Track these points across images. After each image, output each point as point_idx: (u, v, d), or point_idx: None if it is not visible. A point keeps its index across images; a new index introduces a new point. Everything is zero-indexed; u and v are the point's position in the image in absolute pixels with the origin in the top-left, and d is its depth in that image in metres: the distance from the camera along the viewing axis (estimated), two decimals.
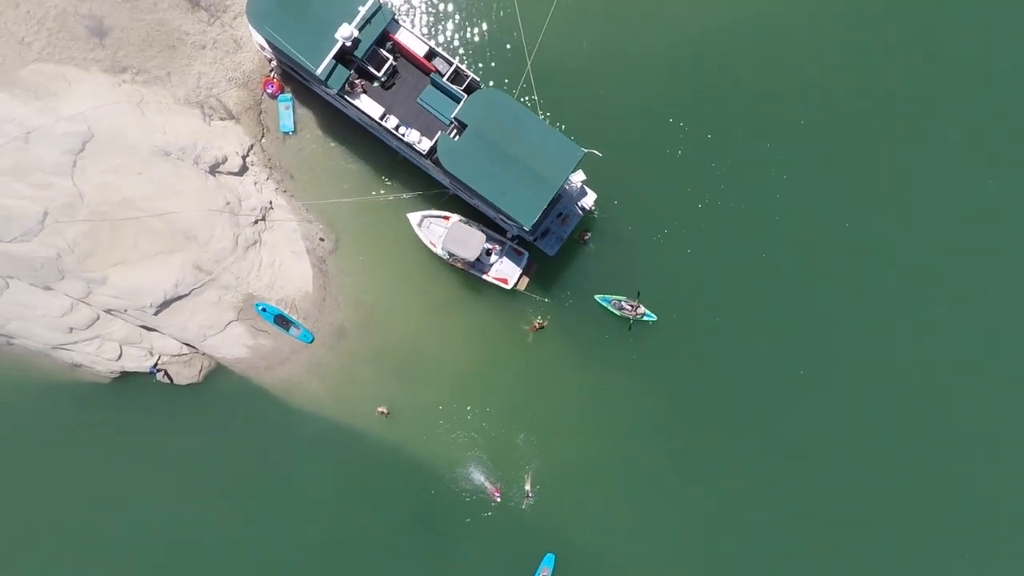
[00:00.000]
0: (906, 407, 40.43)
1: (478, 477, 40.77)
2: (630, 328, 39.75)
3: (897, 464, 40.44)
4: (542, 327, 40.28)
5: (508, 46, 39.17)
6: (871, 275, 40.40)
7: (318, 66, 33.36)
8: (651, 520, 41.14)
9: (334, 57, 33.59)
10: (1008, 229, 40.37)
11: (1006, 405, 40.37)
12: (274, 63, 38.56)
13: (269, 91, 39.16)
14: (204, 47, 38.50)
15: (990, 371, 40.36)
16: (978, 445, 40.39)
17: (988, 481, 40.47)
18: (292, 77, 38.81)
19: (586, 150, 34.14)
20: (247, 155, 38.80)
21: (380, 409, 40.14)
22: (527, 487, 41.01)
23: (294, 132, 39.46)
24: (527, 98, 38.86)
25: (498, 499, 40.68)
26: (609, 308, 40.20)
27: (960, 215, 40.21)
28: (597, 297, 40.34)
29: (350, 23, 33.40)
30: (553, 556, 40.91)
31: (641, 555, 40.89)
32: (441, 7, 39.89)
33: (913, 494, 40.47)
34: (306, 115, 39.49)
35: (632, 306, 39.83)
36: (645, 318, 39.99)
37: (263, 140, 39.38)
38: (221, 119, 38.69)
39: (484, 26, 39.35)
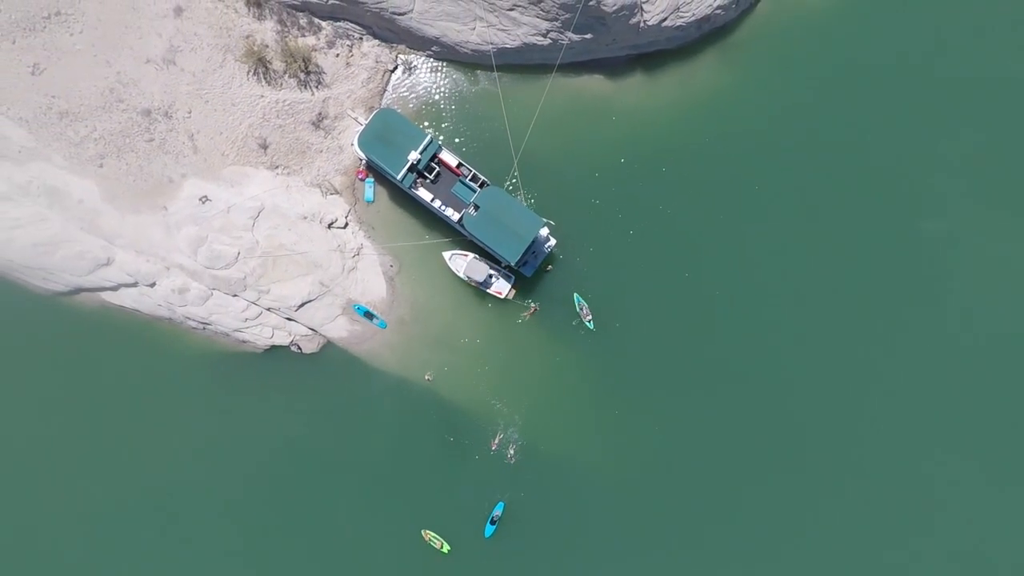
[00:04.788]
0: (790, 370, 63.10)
1: (482, 427, 60.89)
2: (576, 325, 63.73)
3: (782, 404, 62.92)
4: (536, 310, 63.71)
5: (502, 152, 62.13)
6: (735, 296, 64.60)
7: (398, 174, 59.06)
8: (600, 481, 60.70)
9: (407, 169, 59.21)
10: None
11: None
12: (363, 161, 64.00)
13: (360, 177, 63.68)
14: (321, 151, 63.78)
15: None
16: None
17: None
18: (374, 170, 64.21)
19: (545, 219, 59.57)
20: (347, 216, 63.97)
21: (427, 376, 62.58)
22: (510, 451, 59.14)
23: (374, 202, 64.51)
24: (514, 178, 63.13)
25: (495, 448, 60.03)
26: (576, 306, 64.10)
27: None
28: (575, 295, 61.82)
29: (416, 150, 58.60)
30: (503, 504, 58.47)
31: (587, 510, 60.78)
32: (466, 134, 63.84)
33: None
34: (381, 192, 63.78)
35: (586, 312, 64.84)
36: (589, 325, 64.15)
37: (356, 207, 64.33)
38: (331, 194, 63.88)
39: (488, 143, 63.26)
